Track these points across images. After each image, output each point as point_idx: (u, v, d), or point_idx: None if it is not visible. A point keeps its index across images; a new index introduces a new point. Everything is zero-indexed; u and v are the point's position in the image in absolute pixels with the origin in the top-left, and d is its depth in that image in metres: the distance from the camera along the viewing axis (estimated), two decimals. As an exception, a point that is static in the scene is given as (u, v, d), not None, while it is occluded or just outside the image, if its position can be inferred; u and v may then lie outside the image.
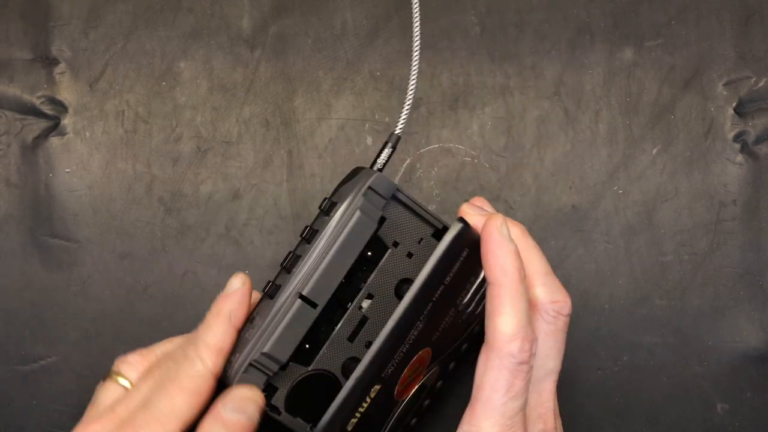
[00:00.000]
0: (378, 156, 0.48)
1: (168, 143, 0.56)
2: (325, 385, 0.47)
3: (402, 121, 0.48)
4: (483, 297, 0.47)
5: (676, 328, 0.56)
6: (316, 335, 0.46)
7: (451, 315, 0.46)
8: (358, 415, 0.44)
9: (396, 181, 0.56)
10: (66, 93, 0.56)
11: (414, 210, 0.47)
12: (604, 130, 0.57)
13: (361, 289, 0.47)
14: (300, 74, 0.57)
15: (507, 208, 0.56)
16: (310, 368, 0.46)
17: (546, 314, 0.46)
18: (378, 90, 0.57)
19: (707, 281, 0.56)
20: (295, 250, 0.46)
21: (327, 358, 0.46)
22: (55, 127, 0.56)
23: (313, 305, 0.44)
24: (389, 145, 0.48)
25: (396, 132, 0.48)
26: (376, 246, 0.46)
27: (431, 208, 0.56)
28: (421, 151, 0.56)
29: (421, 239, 0.47)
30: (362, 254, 0.45)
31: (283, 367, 0.45)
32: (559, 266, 0.56)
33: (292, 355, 0.45)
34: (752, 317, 0.56)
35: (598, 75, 0.57)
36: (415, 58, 0.48)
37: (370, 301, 0.47)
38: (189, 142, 0.56)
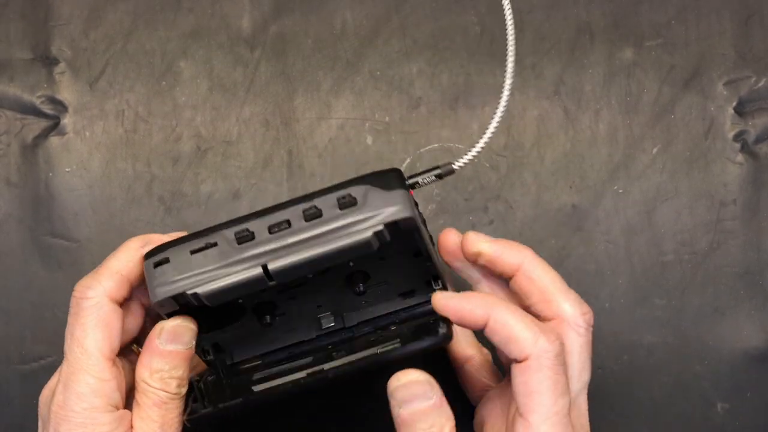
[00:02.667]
0: (421, 174, 0.46)
1: (168, 143, 0.56)
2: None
3: (468, 157, 0.47)
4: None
5: (676, 328, 0.56)
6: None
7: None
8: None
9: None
10: (66, 93, 0.56)
11: (420, 249, 0.46)
12: (604, 130, 0.57)
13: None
14: (300, 74, 0.57)
15: (507, 208, 0.56)
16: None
17: (578, 327, 0.47)
18: (378, 90, 0.57)
19: (707, 281, 0.56)
20: (288, 210, 0.43)
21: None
22: (55, 126, 0.56)
23: (270, 279, 0.43)
24: (437, 172, 0.46)
25: (454, 165, 0.46)
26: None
27: (431, 207, 0.56)
28: (421, 150, 0.56)
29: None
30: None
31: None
32: (559, 266, 0.56)
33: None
34: (752, 317, 0.56)
35: (598, 75, 0.57)
36: (507, 86, 0.46)
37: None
38: (189, 142, 0.56)
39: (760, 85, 0.57)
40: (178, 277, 0.43)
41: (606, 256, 0.56)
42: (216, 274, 0.43)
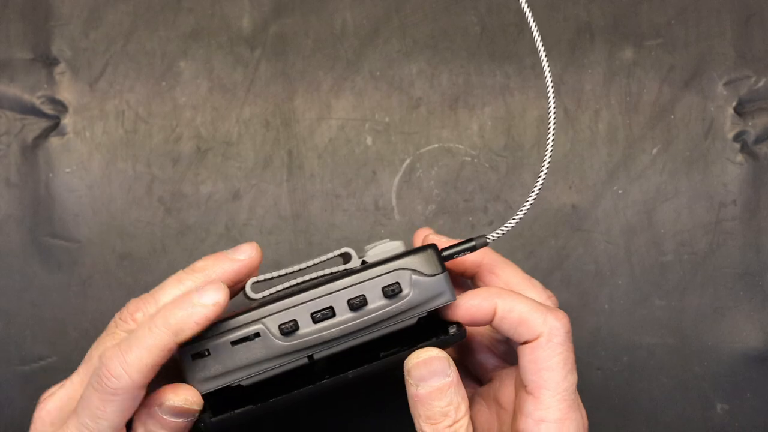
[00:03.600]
0: (455, 248, 0.45)
1: (168, 143, 0.56)
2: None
3: (503, 230, 0.46)
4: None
5: (676, 328, 0.56)
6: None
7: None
8: None
9: (395, 181, 0.56)
10: (66, 93, 0.56)
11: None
12: (604, 130, 0.57)
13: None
14: (300, 74, 0.57)
15: (507, 208, 0.56)
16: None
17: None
18: (378, 90, 0.57)
19: (707, 281, 0.56)
20: (333, 295, 0.43)
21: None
22: (55, 127, 0.56)
23: (313, 365, 0.43)
24: (471, 245, 0.46)
25: (488, 238, 0.46)
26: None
27: (431, 208, 0.56)
28: (421, 150, 0.56)
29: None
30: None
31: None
32: (559, 266, 0.56)
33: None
34: (752, 317, 0.56)
35: (598, 75, 0.57)
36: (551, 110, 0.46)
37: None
38: (189, 142, 0.56)
39: (760, 85, 0.57)
40: (222, 371, 0.42)
41: (606, 257, 0.56)
42: (261, 369, 0.42)
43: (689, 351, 0.56)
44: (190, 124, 0.56)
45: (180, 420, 0.41)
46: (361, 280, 0.43)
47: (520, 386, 0.45)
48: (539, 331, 0.44)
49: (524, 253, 0.56)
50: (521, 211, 0.46)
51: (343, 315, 0.43)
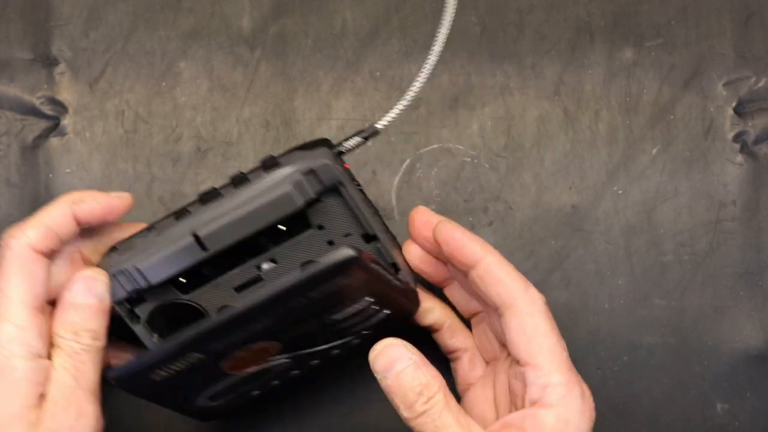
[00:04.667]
0: (346, 139, 0.47)
1: (168, 143, 0.56)
2: (193, 317, 0.46)
3: (389, 117, 0.47)
4: (364, 320, 0.46)
5: (676, 328, 0.56)
6: (204, 274, 0.46)
7: (315, 324, 0.45)
8: (169, 371, 0.43)
9: (395, 181, 0.56)
10: (66, 93, 0.56)
11: (351, 208, 0.47)
12: (604, 130, 0.57)
13: (268, 251, 0.46)
14: (300, 74, 0.57)
15: (507, 209, 0.56)
16: (184, 297, 0.46)
17: (533, 304, 0.47)
18: (378, 90, 0.57)
19: (707, 281, 0.56)
20: (222, 186, 0.46)
21: (206, 297, 0.46)
22: (55, 127, 0.56)
23: (204, 248, 0.44)
24: (363, 134, 0.47)
25: (377, 125, 0.47)
26: (299, 221, 0.46)
27: (431, 208, 0.56)
28: (421, 151, 0.56)
29: (349, 234, 0.47)
30: (278, 225, 0.45)
31: (154, 287, 0.45)
32: (559, 266, 0.56)
33: (171, 281, 0.45)
34: (752, 317, 0.56)
35: (598, 75, 0.57)
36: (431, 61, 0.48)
37: (273, 265, 0.47)
38: (189, 142, 0.56)
39: (759, 85, 0.57)
40: (120, 258, 0.45)
41: (606, 257, 0.56)
42: (153, 251, 0.44)
43: (689, 351, 0.56)
44: (190, 124, 0.56)
45: (92, 300, 0.43)
46: (251, 169, 0.46)
47: (514, 366, 0.45)
48: (518, 297, 0.45)
49: (524, 253, 0.56)
50: (413, 88, 0.47)
51: (227, 192, 0.45)
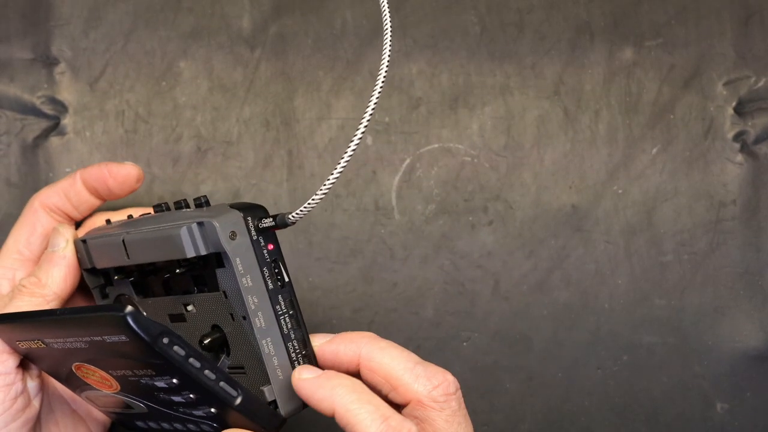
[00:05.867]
0: (264, 218, 0.43)
1: (168, 143, 0.56)
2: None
3: (305, 210, 0.42)
4: (184, 405, 0.43)
5: (676, 328, 0.56)
6: (154, 291, 0.48)
7: (122, 369, 0.42)
8: (40, 344, 0.42)
9: (395, 181, 0.56)
10: (66, 93, 0.56)
11: (239, 289, 0.43)
12: (604, 130, 0.57)
13: (193, 294, 0.45)
14: (300, 74, 0.57)
15: (507, 208, 0.56)
16: (136, 298, 0.48)
17: (435, 403, 0.43)
18: (378, 90, 0.57)
19: (707, 281, 0.56)
20: (166, 204, 0.46)
21: (150, 309, 0.48)
22: (55, 127, 0.56)
23: (127, 255, 0.45)
24: (277, 220, 0.42)
25: (291, 216, 0.42)
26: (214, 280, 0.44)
27: (431, 208, 0.56)
28: (421, 150, 0.56)
29: (246, 317, 0.43)
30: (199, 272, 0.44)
31: (98, 271, 0.48)
32: (559, 266, 0.56)
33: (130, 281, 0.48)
34: (752, 317, 0.56)
35: (598, 75, 0.57)
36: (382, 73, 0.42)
37: (194, 310, 0.45)
38: (189, 142, 0.56)
39: (759, 85, 0.57)
40: (94, 232, 0.48)
41: (606, 257, 0.56)
42: (102, 238, 0.47)
43: (689, 350, 0.56)
44: (190, 124, 0.56)
45: (51, 248, 0.48)
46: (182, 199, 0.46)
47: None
48: (415, 391, 0.42)
49: (524, 253, 0.56)
50: (328, 182, 0.43)
51: (154, 215, 0.46)
